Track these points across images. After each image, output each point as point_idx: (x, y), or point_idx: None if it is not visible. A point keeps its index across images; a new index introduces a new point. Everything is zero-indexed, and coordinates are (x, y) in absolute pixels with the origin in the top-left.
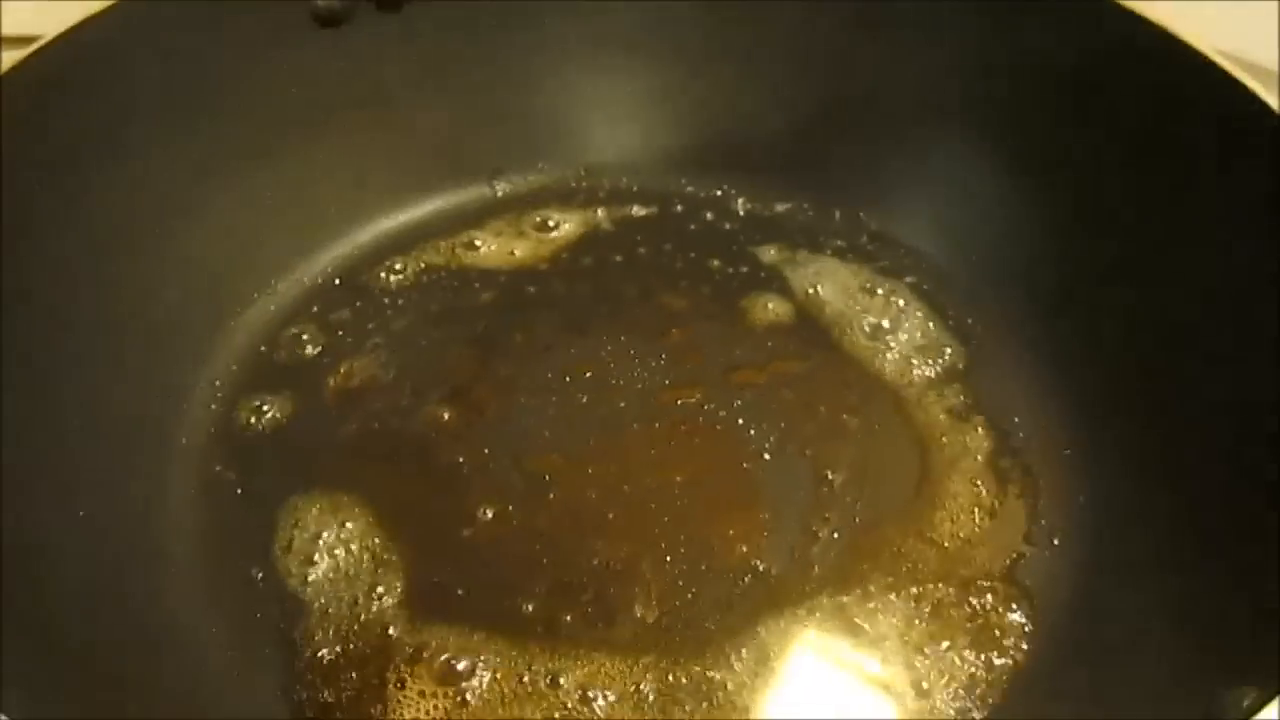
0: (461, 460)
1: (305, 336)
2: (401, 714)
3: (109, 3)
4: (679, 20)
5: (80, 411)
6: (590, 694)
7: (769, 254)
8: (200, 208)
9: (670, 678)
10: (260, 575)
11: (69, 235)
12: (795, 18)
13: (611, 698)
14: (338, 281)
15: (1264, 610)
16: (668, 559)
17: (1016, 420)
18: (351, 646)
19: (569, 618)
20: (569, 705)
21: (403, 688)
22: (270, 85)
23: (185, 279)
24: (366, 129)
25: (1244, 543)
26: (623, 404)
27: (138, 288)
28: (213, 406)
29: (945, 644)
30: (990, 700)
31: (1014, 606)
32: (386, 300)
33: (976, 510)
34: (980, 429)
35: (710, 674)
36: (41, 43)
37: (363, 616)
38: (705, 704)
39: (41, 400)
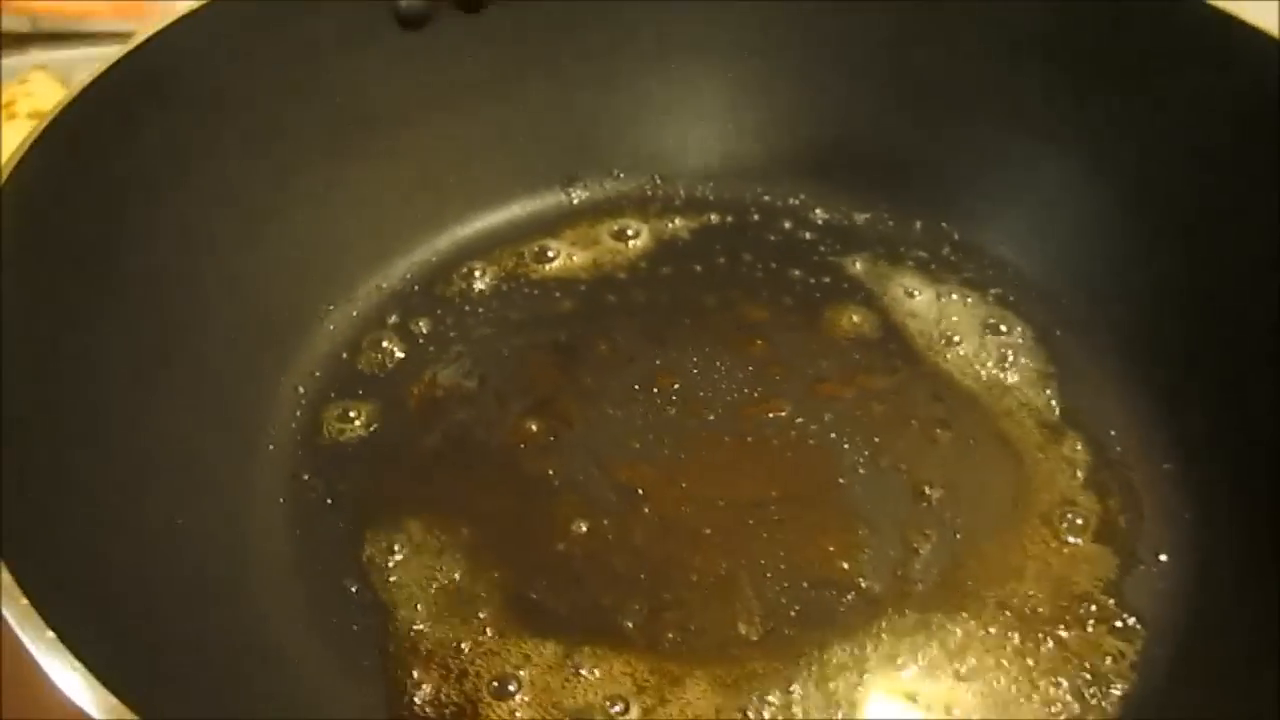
0: (551, 472)
1: (386, 344)
2: None
3: (199, 3)
4: (756, 25)
5: (162, 416)
6: (697, 713)
7: (850, 264)
8: (283, 211)
9: (777, 695)
10: (355, 588)
11: (158, 240)
12: (876, 24)
13: (723, 715)
14: (416, 288)
15: None
16: (767, 575)
17: (1113, 434)
18: (449, 660)
19: (671, 635)
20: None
21: (503, 700)
22: (350, 87)
23: (268, 283)
24: (444, 132)
25: None
26: (711, 417)
27: (223, 291)
28: (298, 414)
29: (1051, 664)
30: (1100, 717)
31: (1120, 624)
32: (466, 308)
33: (1078, 525)
34: (1077, 443)
35: (818, 691)
36: (131, 45)
37: (459, 630)
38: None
39: (123, 403)
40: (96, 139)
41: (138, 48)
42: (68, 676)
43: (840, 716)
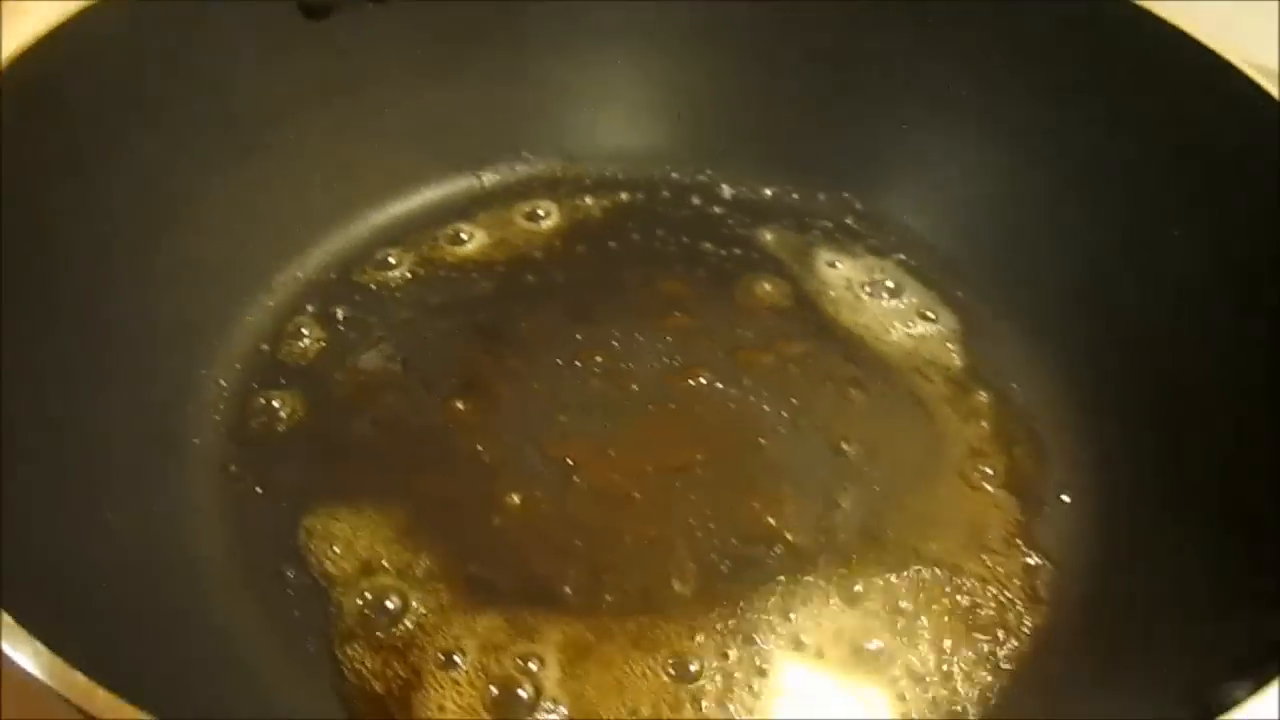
0: (481, 449)
1: (306, 333)
2: (452, 700)
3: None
4: (658, 11)
5: (87, 415)
6: (644, 666)
7: (760, 236)
8: (195, 206)
9: (718, 645)
10: (292, 574)
11: (69, 240)
12: (774, 6)
13: (669, 666)
14: (333, 277)
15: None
16: (698, 534)
17: (1015, 386)
18: (395, 638)
19: (609, 597)
20: (625, 679)
21: (450, 672)
22: (257, 78)
23: (182, 278)
24: (353, 121)
25: (1247, 489)
26: (635, 387)
27: (137, 289)
28: (221, 407)
29: (968, 604)
30: (1013, 658)
31: (1030, 563)
32: (385, 294)
33: (987, 473)
34: (983, 395)
35: (755, 642)
36: (27, 43)
37: (403, 608)
38: (755, 673)
39: (47, 405)
40: None
41: (29, 49)
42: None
43: (773, 662)
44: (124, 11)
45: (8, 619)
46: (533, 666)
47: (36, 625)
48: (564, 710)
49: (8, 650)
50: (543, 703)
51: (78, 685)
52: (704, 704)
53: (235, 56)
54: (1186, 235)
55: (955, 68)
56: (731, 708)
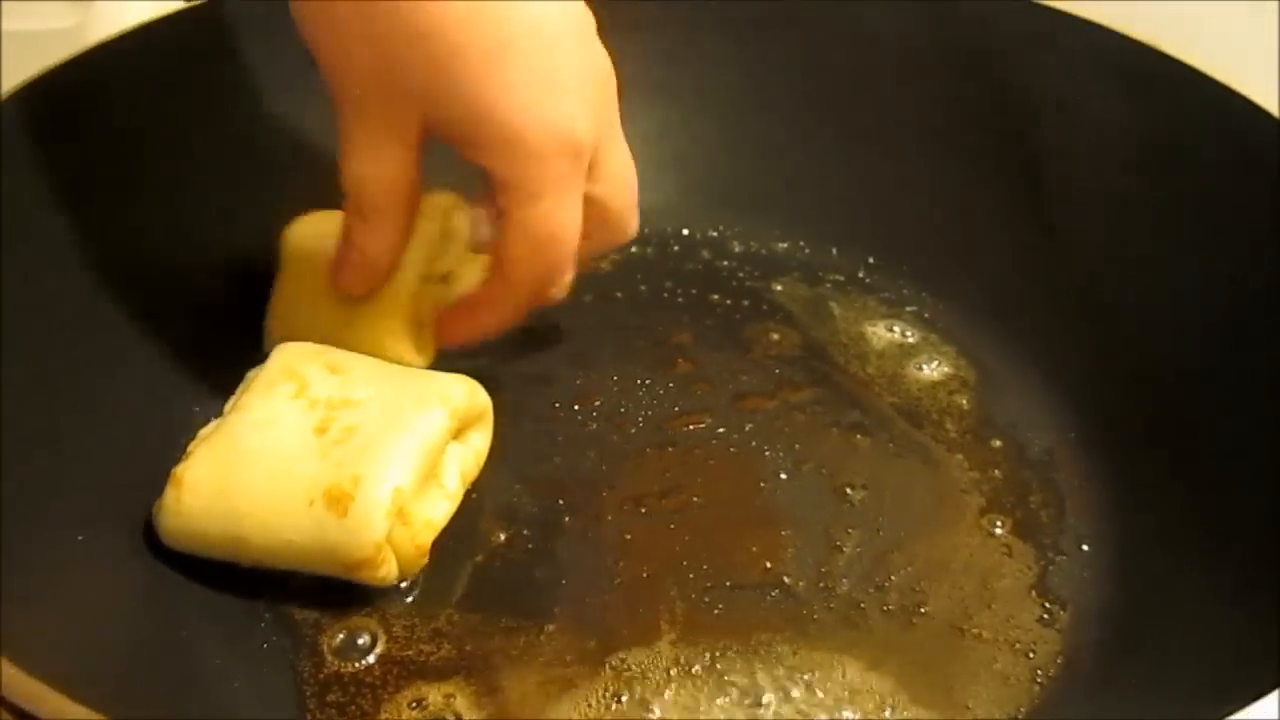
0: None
1: None
2: None
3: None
4: (665, 60)
5: (69, 440)
6: (620, 705)
7: (770, 289)
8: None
9: (705, 693)
10: (265, 609)
11: (67, 266)
12: (780, 63)
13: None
14: None
15: None
16: (690, 576)
17: (1031, 435)
18: (362, 673)
19: (593, 643)
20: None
21: (420, 711)
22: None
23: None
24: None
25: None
26: (633, 430)
27: (138, 325)
28: None
29: (978, 657)
30: (1028, 709)
31: (1046, 615)
32: None
33: (1000, 521)
34: (997, 441)
35: (744, 688)
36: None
37: (372, 642)
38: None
39: (30, 428)
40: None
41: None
42: None
43: (769, 714)
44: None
45: None
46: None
47: None
48: None
49: None
50: None
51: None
52: None
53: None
54: (1208, 274)
55: (960, 120)
56: None
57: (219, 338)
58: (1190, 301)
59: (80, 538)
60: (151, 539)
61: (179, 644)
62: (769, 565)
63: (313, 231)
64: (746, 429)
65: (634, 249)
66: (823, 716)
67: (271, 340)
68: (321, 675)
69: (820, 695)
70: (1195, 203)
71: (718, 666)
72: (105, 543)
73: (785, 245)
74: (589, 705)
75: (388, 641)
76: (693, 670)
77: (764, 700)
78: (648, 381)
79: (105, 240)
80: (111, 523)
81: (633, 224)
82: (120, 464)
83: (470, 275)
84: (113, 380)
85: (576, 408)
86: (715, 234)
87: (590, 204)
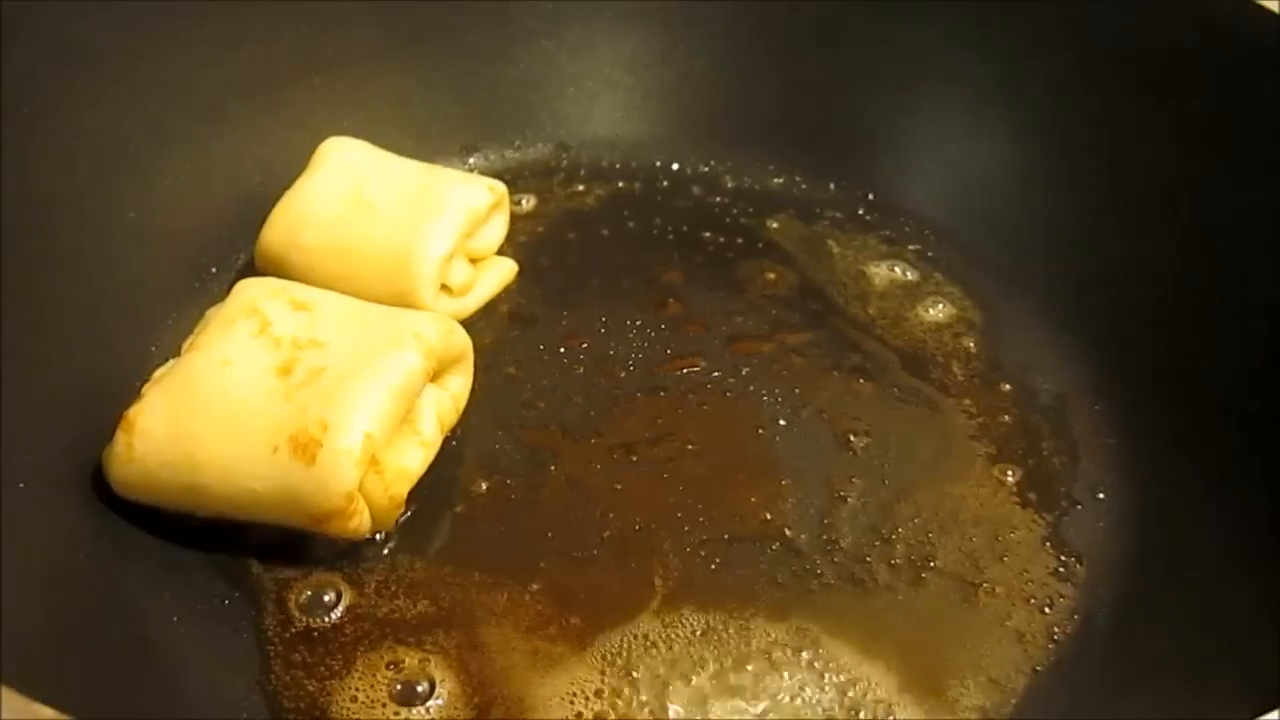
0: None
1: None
2: (364, 693)
3: None
4: None
5: (32, 386)
6: (607, 680)
7: (764, 226)
8: (155, 172)
9: (704, 654)
10: (225, 563)
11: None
12: None
13: (640, 675)
14: None
15: None
16: (685, 528)
17: (1040, 379)
18: (330, 632)
19: (581, 595)
20: (576, 696)
21: (396, 672)
22: (225, 44)
23: (140, 247)
24: (329, 98)
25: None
26: (622, 375)
27: (93, 256)
28: None
29: (991, 614)
30: (1043, 662)
31: (1061, 568)
32: None
33: (1011, 469)
34: (1005, 388)
35: (744, 643)
36: None
37: (337, 599)
38: (744, 680)
39: None
40: None
41: None
42: None
43: (764, 668)
44: None
45: None
46: (473, 667)
47: None
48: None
49: None
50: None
51: None
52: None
53: (200, 15)
54: (1222, 212)
55: (974, 50)
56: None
57: (177, 271)
58: (1223, 246)
59: (22, 485)
60: (102, 489)
61: (129, 602)
62: (768, 517)
63: (351, 146)
64: (742, 373)
65: (621, 184)
66: (827, 684)
67: (262, 246)
68: (287, 634)
69: (825, 662)
70: (1206, 122)
71: (717, 623)
72: (50, 493)
73: (780, 180)
74: (572, 680)
75: (358, 598)
76: (689, 636)
77: (767, 669)
78: (637, 322)
79: (47, 166)
80: (58, 471)
81: None
82: (68, 408)
83: (486, 282)
84: (59, 318)
85: (562, 350)
86: (706, 169)
87: None
